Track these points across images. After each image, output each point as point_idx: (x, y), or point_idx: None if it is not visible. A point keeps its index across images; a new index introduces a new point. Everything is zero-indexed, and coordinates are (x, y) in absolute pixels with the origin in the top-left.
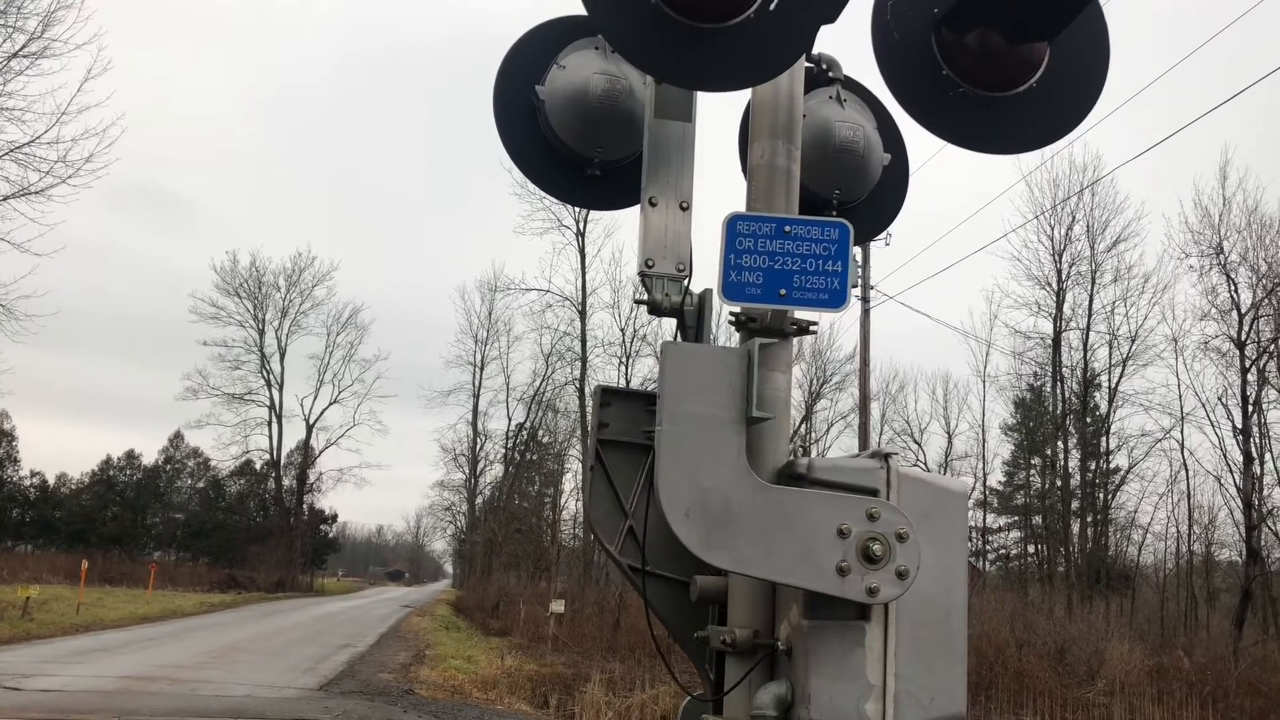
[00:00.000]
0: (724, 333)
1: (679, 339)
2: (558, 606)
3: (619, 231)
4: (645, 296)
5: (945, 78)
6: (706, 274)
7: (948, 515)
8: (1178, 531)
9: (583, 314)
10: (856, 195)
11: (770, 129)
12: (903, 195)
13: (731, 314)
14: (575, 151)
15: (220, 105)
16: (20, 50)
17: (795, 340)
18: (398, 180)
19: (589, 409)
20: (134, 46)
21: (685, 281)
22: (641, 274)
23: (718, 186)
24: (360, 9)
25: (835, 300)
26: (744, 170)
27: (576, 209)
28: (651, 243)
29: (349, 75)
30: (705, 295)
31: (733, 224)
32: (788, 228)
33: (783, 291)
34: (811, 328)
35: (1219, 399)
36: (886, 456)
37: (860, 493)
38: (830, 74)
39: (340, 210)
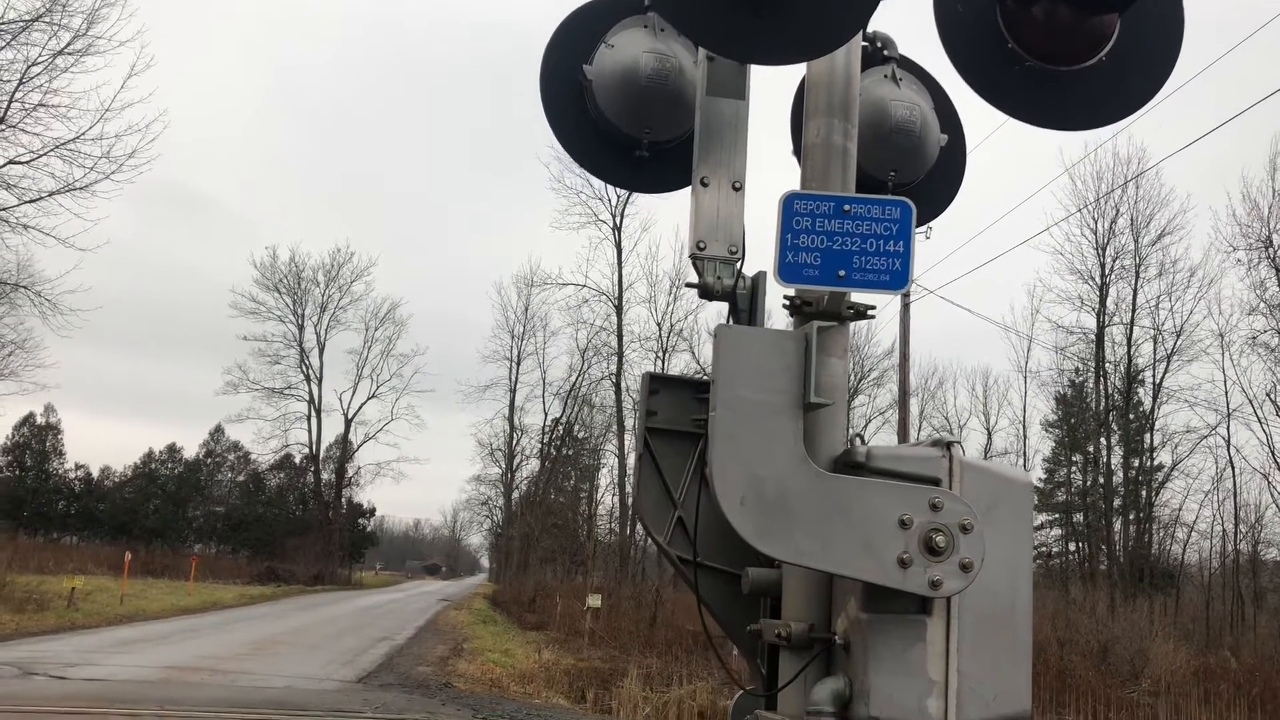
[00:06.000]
0: (774, 318)
1: (731, 324)
2: (594, 601)
3: (655, 226)
4: (696, 280)
5: (1011, 51)
6: (757, 257)
7: (1012, 506)
8: (1223, 530)
9: (619, 309)
10: (912, 177)
11: (826, 106)
12: (960, 177)
13: (785, 297)
14: (623, 133)
15: (242, 104)
16: (65, 48)
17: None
18: (432, 177)
19: (626, 405)
20: (156, 45)
21: (738, 264)
22: (693, 257)
23: (764, 170)
24: (384, 4)
25: (897, 281)
26: (795, 152)
27: (613, 203)
28: (703, 224)
29: (375, 70)
30: (759, 278)
31: (789, 203)
32: (847, 206)
33: (841, 273)
34: (869, 312)
35: (1267, 395)
36: (949, 445)
37: (921, 482)
38: (885, 52)
39: (374, 208)
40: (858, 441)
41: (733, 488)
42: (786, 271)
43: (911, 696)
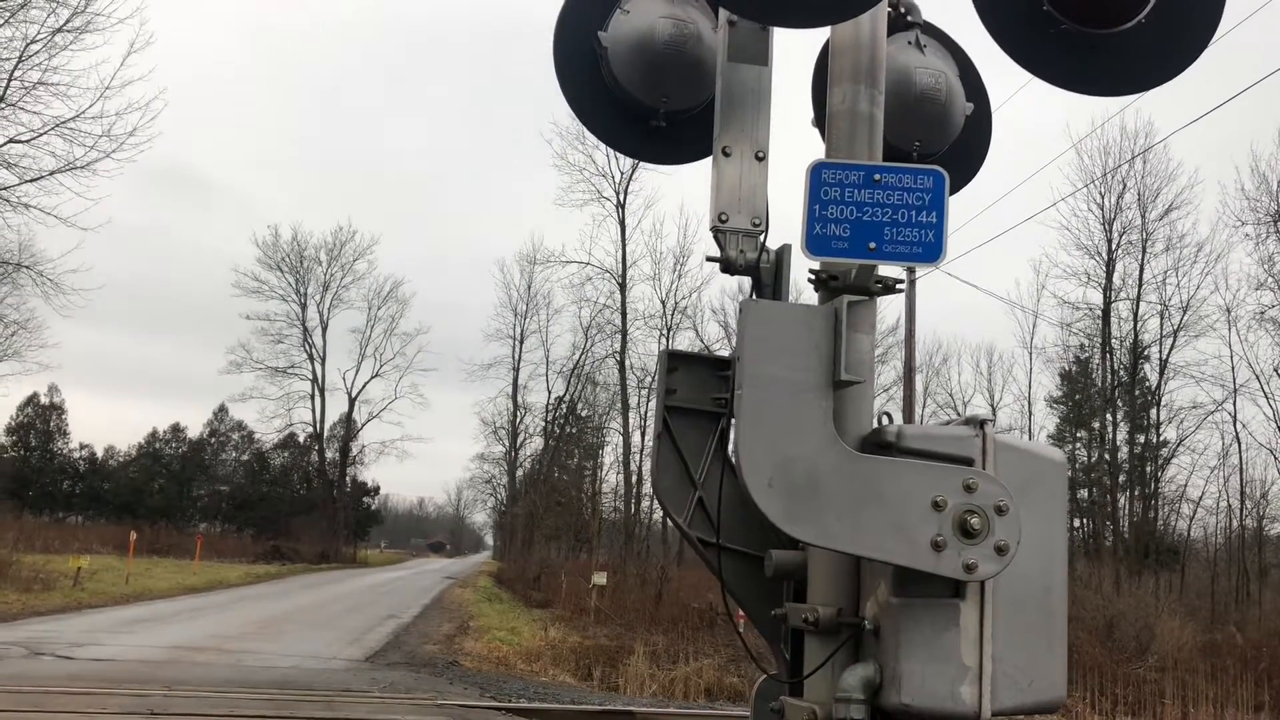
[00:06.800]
0: (794, 293)
1: (754, 299)
2: (599, 579)
3: (659, 203)
4: (718, 254)
5: (1046, 14)
6: (781, 229)
7: (1046, 486)
8: (1229, 506)
9: (623, 286)
10: (938, 147)
11: (852, 73)
12: (986, 147)
13: (811, 271)
14: (640, 102)
15: (241, 82)
16: (64, 25)
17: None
18: (434, 154)
19: (630, 383)
20: (154, 22)
21: (761, 237)
22: (714, 229)
23: (788, 138)
24: None
25: (930, 253)
26: (816, 121)
27: (617, 180)
28: (725, 196)
29: (375, 46)
30: (783, 251)
31: (817, 172)
32: (878, 176)
33: (872, 245)
34: (897, 285)
35: (1274, 370)
36: (982, 423)
37: (954, 462)
38: (909, 18)
39: (375, 186)
40: (886, 420)
41: (760, 469)
42: (814, 244)
43: (944, 683)
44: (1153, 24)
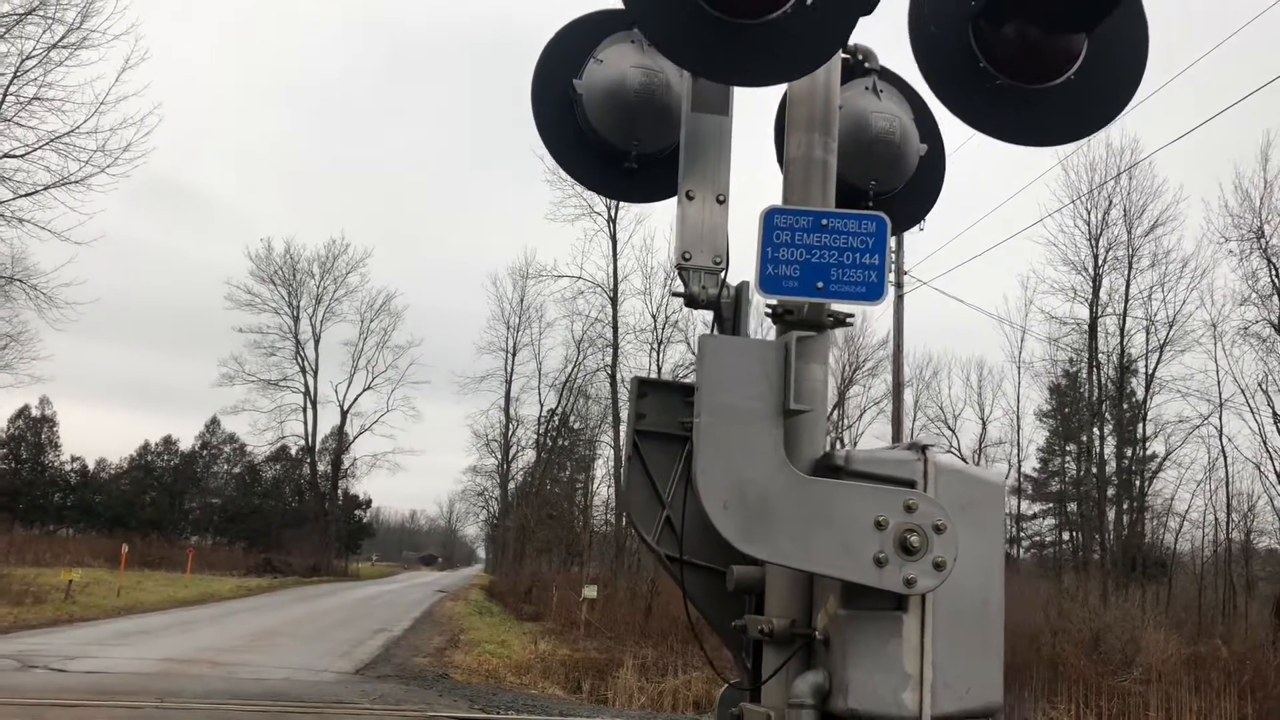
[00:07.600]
0: (757, 326)
1: (715, 332)
2: (590, 592)
3: (650, 218)
4: (682, 289)
5: (982, 70)
6: (742, 267)
7: (985, 506)
8: (1215, 519)
9: (614, 300)
10: (893, 186)
11: (807, 121)
12: (939, 185)
13: (768, 307)
14: (612, 145)
15: (232, 96)
16: (59, 41)
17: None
18: (427, 168)
19: (621, 396)
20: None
21: (722, 274)
22: (679, 267)
23: (753, 179)
24: None
25: (873, 293)
26: (779, 162)
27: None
28: (689, 236)
29: (367, 63)
30: (742, 288)
31: (770, 217)
32: (825, 221)
33: (820, 284)
34: (848, 320)
35: (1259, 385)
36: (924, 448)
37: (898, 484)
38: (866, 64)
39: (365, 202)
40: (838, 445)
41: (716, 491)
42: (768, 283)
43: (888, 690)
44: (1081, 79)
